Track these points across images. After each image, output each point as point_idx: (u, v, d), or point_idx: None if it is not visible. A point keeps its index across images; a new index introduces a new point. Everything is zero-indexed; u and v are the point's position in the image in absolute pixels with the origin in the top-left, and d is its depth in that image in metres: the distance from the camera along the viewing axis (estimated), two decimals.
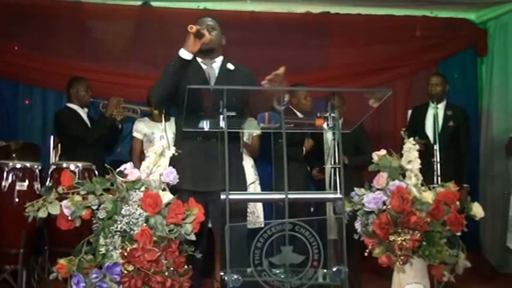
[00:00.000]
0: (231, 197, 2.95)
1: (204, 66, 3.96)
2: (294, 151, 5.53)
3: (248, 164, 5.57)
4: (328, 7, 7.43)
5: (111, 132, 6.02)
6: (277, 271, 2.89)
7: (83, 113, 6.02)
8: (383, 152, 3.58)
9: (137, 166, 3.33)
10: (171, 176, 3.19)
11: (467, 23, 7.71)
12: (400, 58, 7.57)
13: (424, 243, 3.31)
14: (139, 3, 7.28)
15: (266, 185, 5.74)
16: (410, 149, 3.53)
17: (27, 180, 5.14)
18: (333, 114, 3.21)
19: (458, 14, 7.63)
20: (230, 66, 4.02)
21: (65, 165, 5.27)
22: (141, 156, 5.78)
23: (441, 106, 6.23)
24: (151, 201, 2.99)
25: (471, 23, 7.72)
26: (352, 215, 3.48)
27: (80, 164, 5.24)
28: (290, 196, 2.96)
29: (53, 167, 5.29)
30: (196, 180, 3.82)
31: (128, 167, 3.14)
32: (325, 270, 2.95)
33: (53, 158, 6.04)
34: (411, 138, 3.64)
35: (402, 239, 3.19)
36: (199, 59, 3.92)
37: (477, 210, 3.58)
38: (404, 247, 3.19)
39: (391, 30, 7.54)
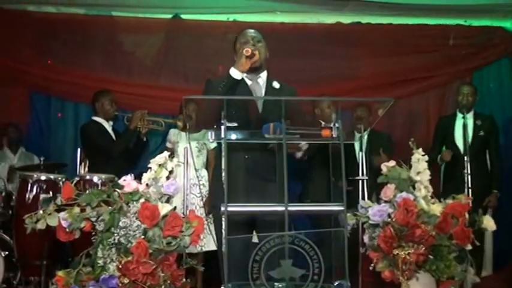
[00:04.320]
0: (230, 209, 2.91)
1: (249, 82, 3.86)
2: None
3: None
4: (359, 17, 7.36)
5: (136, 145, 6.06)
6: (277, 285, 2.84)
7: (108, 126, 6.07)
8: (392, 163, 3.48)
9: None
10: (172, 188, 3.16)
11: (503, 31, 7.49)
12: (433, 68, 7.40)
13: (431, 257, 3.20)
14: (169, 16, 7.35)
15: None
16: (419, 160, 3.42)
17: (51, 192, 5.17)
18: (337, 125, 3.10)
19: (493, 22, 7.44)
20: (276, 84, 3.92)
21: (88, 177, 5.27)
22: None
23: (470, 116, 6.07)
24: (149, 213, 2.97)
25: (506, 31, 7.49)
26: (357, 227, 3.39)
27: (103, 176, 5.24)
28: (290, 208, 2.89)
29: (77, 179, 5.32)
30: (248, 196, 3.62)
31: (127, 179, 3.13)
32: (326, 285, 2.88)
33: (81, 170, 6.09)
34: (419, 151, 3.51)
35: (406, 253, 3.09)
36: (243, 74, 3.75)
37: (488, 223, 3.45)
38: (408, 261, 3.08)
39: (423, 40, 7.41)
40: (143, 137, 6.07)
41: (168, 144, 6.08)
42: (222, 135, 3.05)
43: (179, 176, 5.26)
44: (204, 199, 5.75)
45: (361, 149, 5.75)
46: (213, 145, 5.78)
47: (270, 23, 7.25)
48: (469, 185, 5.49)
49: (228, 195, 2.98)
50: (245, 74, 3.76)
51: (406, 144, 3.66)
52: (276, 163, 3.42)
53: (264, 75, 3.91)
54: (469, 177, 5.50)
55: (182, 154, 5.28)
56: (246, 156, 3.70)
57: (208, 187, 5.84)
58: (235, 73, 3.59)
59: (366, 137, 6.08)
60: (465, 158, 5.63)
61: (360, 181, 5.02)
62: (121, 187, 3.09)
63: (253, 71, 3.78)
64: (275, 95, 3.84)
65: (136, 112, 6.01)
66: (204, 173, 6.00)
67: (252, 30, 3.96)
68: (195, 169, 5.89)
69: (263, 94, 3.88)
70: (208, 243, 5.41)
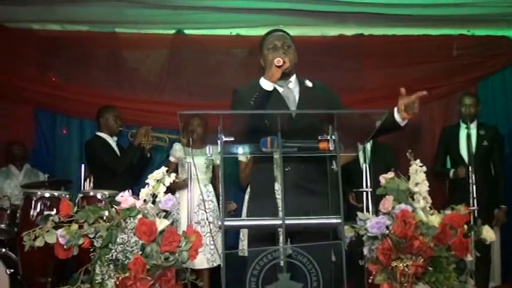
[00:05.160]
0: (226, 223, 2.92)
1: (280, 90, 3.66)
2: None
3: None
4: (362, 29, 7.37)
5: (140, 161, 6.10)
6: None
7: (112, 141, 6.12)
8: (391, 174, 3.47)
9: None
10: (169, 203, 3.18)
11: (507, 40, 7.46)
12: (437, 78, 7.37)
13: (430, 269, 3.19)
14: (172, 31, 7.38)
15: None
16: (417, 171, 3.42)
17: (55, 209, 5.18)
18: (333, 137, 3.09)
19: (497, 31, 7.42)
20: (308, 83, 3.77)
21: (91, 193, 5.30)
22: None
23: (473, 126, 6.06)
24: (146, 228, 2.98)
25: (511, 40, 7.47)
26: (356, 240, 3.39)
27: (106, 192, 5.25)
28: (287, 222, 2.89)
29: (80, 195, 5.34)
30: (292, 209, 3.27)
31: (124, 195, 3.15)
32: None
33: (86, 187, 6.12)
34: (416, 161, 3.51)
35: (404, 265, 3.09)
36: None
37: (488, 234, 3.44)
38: (407, 273, 3.07)
39: (427, 51, 7.40)
40: (147, 153, 6.11)
41: (172, 159, 6.11)
42: (219, 150, 3.04)
43: (194, 191, 5.33)
44: (213, 215, 5.79)
45: (364, 161, 5.79)
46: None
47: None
48: (474, 195, 5.46)
49: (265, 208, 3.02)
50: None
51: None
52: (317, 175, 3.48)
53: (293, 78, 3.75)
54: (474, 187, 5.47)
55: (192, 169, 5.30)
56: (287, 169, 3.47)
57: (216, 202, 5.89)
58: (266, 84, 3.40)
59: (369, 148, 6.10)
60: (470, 168, 5.60)
61: (364, 193, 5.02)
62: (118, 203, 3.11)
63: (284, 76, 3.53)
64: (310, 95, 3.70)
65: (141, 128, 6.08)
66: (211, 188, 6.03)
67: (280, 33, 3.83)
68: (204, 185, 5.94)
69: (297, 97, 3.68)
70: (218, 258, 5.44)
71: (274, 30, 3.88)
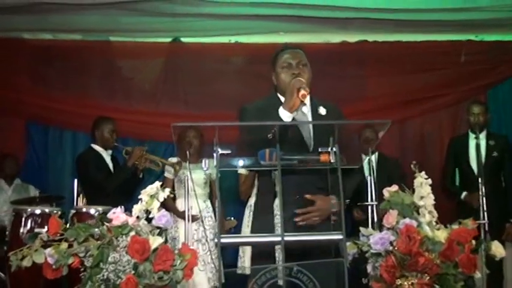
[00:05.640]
0: (223, 240, 2.89)
1: (294, 114, 3.41)
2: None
3: None
4: (365, 35, 7.36)
5: (132, 180, 6.05)
6: None
7: (106, 155, 6.11)
8: (395, 187, 3.44)
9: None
10: (164, 220, 3.15)
11: None
12: (444, 86, 7.37)
13: (437, 287, 3.15)
14: (169, 39, 7.39)
15: None
16: (422, 183, 3.38)
17: (46, 227, 5.15)
18: (334, 149, 3.06)
19: (506, 36, 7.39)
20: (322, 110, 3.60)
21: (84, 209, 5.28)
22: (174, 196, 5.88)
23: (482, 136, 6.02)
24: (139, 247, 2.94)
25: None
26: (358, 257, 3.35)
27: (100, 208, 5.23)
28: (287, 238, 2.86)
29: (73, 211, 5.32)
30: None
31: (116, 211, 3.12)
32: None
33: (78, 202, 6.10)
34: (421, 174, 3.47)
35: (409, 283, 3.05)
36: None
37: (497, 249, 3.39)
38: None
39: (433, 57, 7.38)
40: (140, 173, 6.08)
41: (168, 175, 6.09)
42: (215, 163, 3.01)
43: (195, 208, 5.27)
44: (213, 231, 5.76)
45: (369, 173, 5.76)
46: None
47: (274, 43, 7.23)
48: (484, 208, 5.42)
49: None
50: None
51: (420, 167, 3.61)
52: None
53: (307, 101, 3.55)
54: (484, 199, 5.43)
55: (191, 185, 5.24)
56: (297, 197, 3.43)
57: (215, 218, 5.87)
58: (286, 115, 3.28)
59: (374, 160, 6.08)
60: (479, 179, 5.56)
61: (369, 207, 5.00)
62: (110, 220, 3.07)
63: None
64: (321, 126, 3.51)
65: (136, 149, 6.05)
66: (210, 204, 6.01)
67: (295, 50, 3.62)
68: (203, 200, 5.91)
69: (311, 128, 3.51)
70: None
71: (288, 47, 3.69)
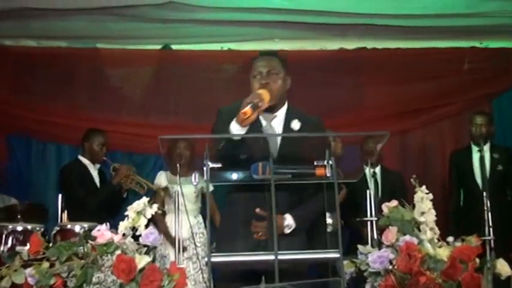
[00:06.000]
0: (214, 259, 2.79)
1: (264, 123, 3.44)
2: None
3: None
4: (364, 42, 7.28)
5: (115, 198, 5.96)
6: None
7: (93, 169, 6.06)
8: (394, 202, 3.35)
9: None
10: (151, 237, 3.05)
11: None
12: (447, 95, 7.30)
13: None
14: (158, 47, 7.31)
15: None
16: (423, 198, 3.30)
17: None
18: (330, 162, 2.97)
19: (511, 43, 7.32)
20: (295, 125, 3.48)
21: (69, 226, 5.13)
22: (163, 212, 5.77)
23: (486, 148, 5.87)
24: (125, 266, 2.86)
25: None
26: (356, 276, 3.27)
27: (85, 225, 5.10)
28: (280, 257, 2.76)
29: (57, 228, 5.19)
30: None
31: (101, 229, 3.02)
32: None
33: (63, 219, 5.97)
34: (422, 188, 3.38)
35: None
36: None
37: (503, 268, 3.31)
38: None
39: (435, 65, 7.29)
40: (124, 192, 5.99)
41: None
42: (205, 177, 2.91)
43: (185, 226, 5.13)
44: (205, 249, 5.63)
45: (369, 187, 5.66)
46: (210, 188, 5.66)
47: (268, 51, 7.15)
48: (490, 224, 5.32)
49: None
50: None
51: (422, 180, 3.54)
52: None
53: (281, 113, 3.49)
54: (489, 214, 5.33)
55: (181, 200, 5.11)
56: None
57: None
58: (235, 128, 3.13)
59: (377, 172, 6.01)
60: (484, 194, 5.46)
61: (369, 222, 4.89)
62: (94, 238, 2.97)
63: (268, 110, 3.32)
64: (295, 139, 3.45)
65: (123, 168, 6.00)
66: (201, 219, 5.92)
67: (268, 57, 3.55)
68: (194, 216, 5.81)
69: (278, 142, 3.40)
70: None
71: (263, 54, 3.63)
